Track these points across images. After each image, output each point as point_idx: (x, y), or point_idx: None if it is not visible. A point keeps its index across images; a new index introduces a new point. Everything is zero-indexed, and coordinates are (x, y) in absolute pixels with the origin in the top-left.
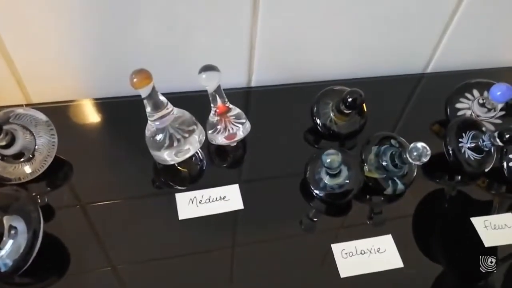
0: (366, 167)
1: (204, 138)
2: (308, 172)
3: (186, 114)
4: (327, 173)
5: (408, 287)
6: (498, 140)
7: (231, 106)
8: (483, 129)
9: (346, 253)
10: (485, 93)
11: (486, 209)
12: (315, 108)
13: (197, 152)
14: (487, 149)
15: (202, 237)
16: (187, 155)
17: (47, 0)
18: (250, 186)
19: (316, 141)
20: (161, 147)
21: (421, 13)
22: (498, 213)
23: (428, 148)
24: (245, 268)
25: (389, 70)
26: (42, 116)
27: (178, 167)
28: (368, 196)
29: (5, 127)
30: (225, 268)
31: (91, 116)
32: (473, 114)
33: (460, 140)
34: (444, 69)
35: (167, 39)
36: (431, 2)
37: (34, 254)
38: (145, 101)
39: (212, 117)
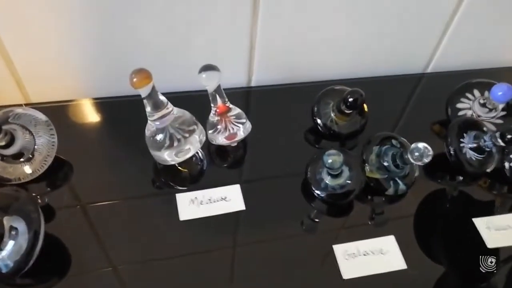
0: (367, 168)
1: (204, 138)
2: (309, 173)
3: (186, 114)
4: (329, 174)
5: None
6: (499, 140)
7: (231, 106)
8: (484, 129)
9: (348, 254)
10: (486, 93)
11: (488, 210)
12: (315, 108)
13: (197, 152)
14: (488, 149)
15: (203, 238)
16: (188, 155)
17: (47, 0)
18: (250, 187)
19: (316, 141)
20: (161, 147)
21: (421, 13)
22: (500, 213)
23: (429, 148)
24: (246, 268)
25: (389, 70)
26: (41, 116)
27: (179, 167)
28: (369, 197)
29: (4, 127)
30: (226, 269)
31: (91, 116)
32: (474, 114)
33: (461, 140)
34: (445, 69)
35: (167, 39)
36: (432, 2)
37: (35, 255)
38: (145, 101)
39: (213, 117)
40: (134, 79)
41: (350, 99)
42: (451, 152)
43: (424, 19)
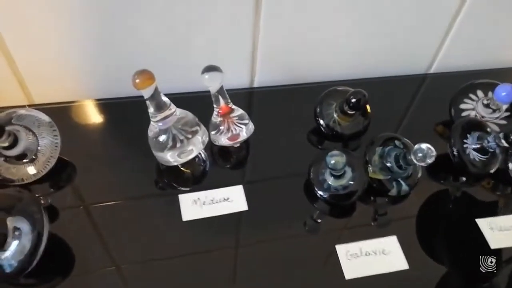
0: (370, 168)
1: (207, 139)
2: (312, 173)
3: (189, 115)
4: (331, 174)
5: None
6: (503, 141)
7: (234, 106)
8: (488, 130)
9: (351, 255)
10: (490, 94)
11: (491, 211)
12: (318, 109)
13: (200, 153)
14: (492, 150)
15: (206, 238)
16: (190, 156)
17: (47, 0)
18: (253, 187)
19: (319, 142)
20: (164, 148)
21: (424, 13)
22: (503, 214)
23: (433, 149)
24: (249, 269)
25: (392, 70)
26: (44, 117)
27: (181, 168)
28: (372, 197)
29: (8, 128)
30: (229, 269)
31: (94, 117)
32: (477, 114)
33: (464, 141)
34: (448, 69)
35: (168, 39)
36: (434, 2)
37: (39, 255)
38: (147, 102)
39: (215, 118)
40: (137, 80)
41: (353, 100)
42: (455, 153)
43: (427, 19)
